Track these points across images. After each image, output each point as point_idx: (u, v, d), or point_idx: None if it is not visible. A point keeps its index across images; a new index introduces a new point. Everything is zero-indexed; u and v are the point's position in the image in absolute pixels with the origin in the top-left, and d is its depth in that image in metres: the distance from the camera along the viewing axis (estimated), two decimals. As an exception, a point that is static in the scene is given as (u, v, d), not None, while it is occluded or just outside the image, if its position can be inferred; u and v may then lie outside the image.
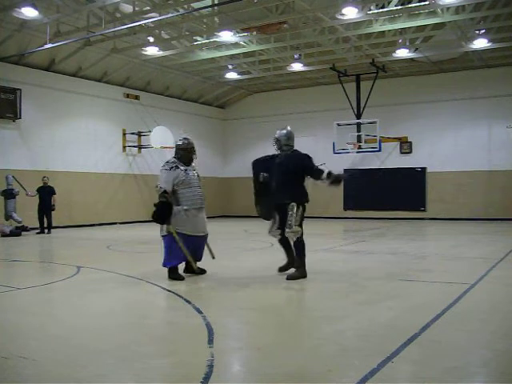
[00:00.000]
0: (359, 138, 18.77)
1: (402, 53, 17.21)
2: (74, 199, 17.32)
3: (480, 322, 4.52)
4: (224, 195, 23.27)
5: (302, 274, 6.53)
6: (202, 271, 6.83)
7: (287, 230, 6.36)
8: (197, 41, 16.63)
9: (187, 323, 4.55)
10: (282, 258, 7.09)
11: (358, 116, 19.12)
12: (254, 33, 15.45)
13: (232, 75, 20.54)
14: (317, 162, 6.73)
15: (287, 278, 6.46)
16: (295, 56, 18.50)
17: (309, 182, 6.70)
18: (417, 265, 8.06)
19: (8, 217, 14.49)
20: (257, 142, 22.86)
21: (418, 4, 13.62)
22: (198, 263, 6.78)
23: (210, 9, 13.68)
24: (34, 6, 13.05)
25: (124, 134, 19.40)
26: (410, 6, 13.81)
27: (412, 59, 18.30)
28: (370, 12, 13.94)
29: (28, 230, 14.72)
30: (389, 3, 13.77)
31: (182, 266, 6.90)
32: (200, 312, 4.80)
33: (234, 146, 24.21)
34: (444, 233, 14.57)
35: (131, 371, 3.33)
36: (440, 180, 19.99)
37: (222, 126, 24.47)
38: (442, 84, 19.95)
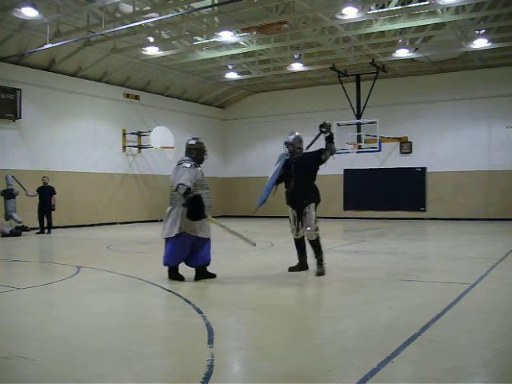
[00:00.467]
0: (359, 138, 18.77)
1: (402, 53, 17.21)
2: (74, 199, 17.32)
3: (480, 322, 4.52)
4: (224, 195, 23.26)
5: (323, 268, 6.86)
6: (213, 275, 6.65)
7: (309, 229, 6.74)
8: (197, 41, 16.63)
9: (187, 323, 4.55)
10: (281, 258, 7.10)
11: (358, 116, 19.12)
12: (254, 33, 15.45)
13: (232, 75, 20.54)
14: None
15: (317, 275, 6.74)
16: (295, 56, 18.50)
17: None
18: (417, 265, 8.06)
19: (8, 217, 14.49)
20: (257, 142, 22.89)
21: (418, 4, 13.62)
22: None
23: (209, 9, 13.68)
24: (34, 6, 13.05)
25: (124, 134, 19.40)
26: (410, 6, 13.81)
27: (412, 59, 18.30)
28: (370, 12, 13.94)
29: (28, 230, 14.72)
30: (389, 3, 13.77)
31: (180, 269, 6.88)
32: (200, 312, 4.80)
33: (233, 146, 24.22)
34: (444, 233, 14.57)
35: (131, 371, 3.33)
36: (440, 180, 19.99)
37: (222, 125, 24.48)
38: (442, 84, 19.95)
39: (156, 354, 3.64)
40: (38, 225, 14.93)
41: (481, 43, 16.06)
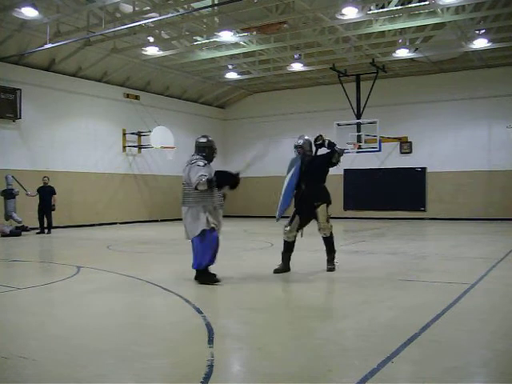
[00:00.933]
0: (359, 138, 18.76)
1: (402, 53, 17.21)
2: (74, 199, 17.32)
3: (480, 322, 4.52)
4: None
5: (334, 265, 7.20)
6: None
7: (322, 226, 7.05)
8: (197, 41, 16.62)
9: (187, 323, 4.55)
10: (281, 258, 7.11)
11: (358, 116, 19.11)
12: (254, 33, 15.44)
13: (232, 75, 20.54)
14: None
15: (328, 270, 7.09)
16: (295, 56, 18.50)
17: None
18: (417, 265, 8.06)
19: (8, 217, 14.49)
20: (257, 142, 22.87)
21: (418, 4, 13.61)
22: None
23: (209, 9, 13.68)
24: (34, 6, 13.04)
25: (124, 134, 19.40)
26: (410, 6, 13.80)
27: (412, 59, 18.29)
28: (370, 12, 13.94)
29: (28, 230, 14.72)
30: (389, 3, 13.76)
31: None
32: (200, 312, 4.80)
33: (233, 146, 24.20)
34: (444, 233, 14.57)
35: (131, 371, 3.33)
36: (440, 180, 19.99)
37: (222, 125, 24.47)
38: (442, 84, 19.95)
39: (156, 354, 3.64)
40: (38, 225, 14.93)
41: (481, 43, 16.06)
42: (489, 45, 16.17)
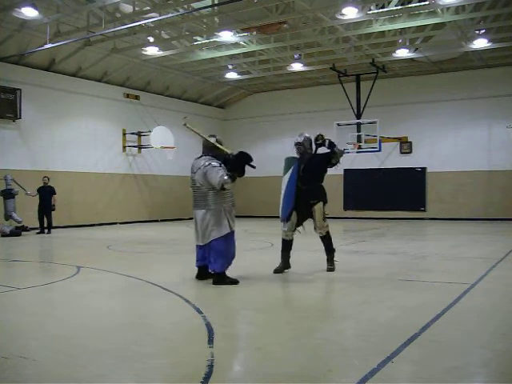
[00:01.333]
0: (359, 138, 18.77)
1: (402, 53, 17.21)
2: (74, 199, 17.32)
3: (480, 322, 4.52)
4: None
5: (334, 265, 7.23)
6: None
7: (318, 225, 7.06)
8: (197, 41, 16.62)
9: (187, 323, 4.54)
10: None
11: (358, 116, 19.11)
12: (254, 33, 15.44)
13: (232, 75, 20.54)
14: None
15: (328, 270, 7.11)
16: (295, 56, 18.50)
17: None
18: (417, 265, 8.06)
19: (8, 217, 14.48)
20: (257, 142, 22.87)
21: (418, 4, 13.62)
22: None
23: (209, 9, 13.68)
24: (34, 6, 13.04)
25: (124, 134, 19.40)
26: (410, 6, 13.81)
27: (412, 59, 18.30)
28: (370, 12, 13.94)
29: (28, 230, 14.72)
30: (389, 3, 13.76)
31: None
32: (200, 312, 4.80)
33: (234, 146, 24.14)
34: (444, 233, 14.57)
35: (131, 371, 3.33)
36: (440, 180, 19.99)
37: (222, 126, 24.46)
38: (442, 84, 19.95)
39: (156, 354, 3.64)
40: (38, 225, 14.93)
41: (481, 43, 16.06)
42: (489, 45, 16.17)
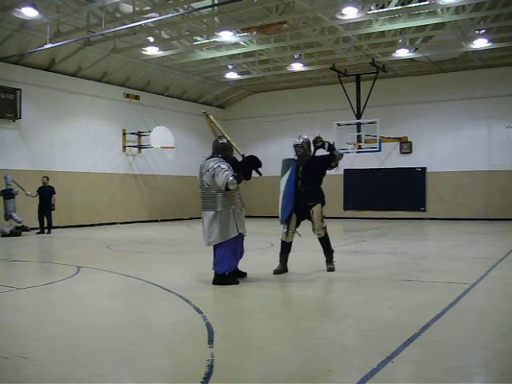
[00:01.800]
0: (359, 138, 18.76)
1: (402, 53, 17.21)
2: (74, 199, 17.32)
3: (480, 322, 4.52)
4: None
5: (333, 265, 7.26)
6: (244, 274, 6.66)
7: (316, 227, 7.09)
8: (197, 41, 16.62)
9: (187, 323, 4.55)
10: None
11: (358, 116, 19.11)
12: (254, 33, 15.44)
13: (232, 75, 20.54)
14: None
15: (328, 271, 7.13)
16: (295, 56, 18.50)
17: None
18: (417, 265, 8.06)
19: (8, 217, 14.48)
20: (257, 142, 22.86)
21: (418, 4, 13.61)
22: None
23: (209, 9, 13.68)
24: (34, 6, 13.04)
25: (124, 134, 19.40)
26: (410, 6, 13.80)
27: (412, 59, 18.29)
28: (370, 12, 13.94)
29: (28, 230, 14.72)
30: (389, 3, 13.76)
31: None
32: (200, 312, 4.80)
33: (233, 146, 24.19)
34: (444, 233, 14.57)
35: (131, 371, 3.33)
36: (440, 180, 19.99)
37: (222, 126, 24.18)
38: (442, 84, 19.95)
39: (156, 354, 3.64)
40: (38, 225, 14.93)
41: (481, 43, 16.06)
42: (489, 45, 16.17)
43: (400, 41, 16.66)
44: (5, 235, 13.70)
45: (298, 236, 7.23)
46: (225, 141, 6.45)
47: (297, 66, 19.18)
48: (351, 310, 4.99)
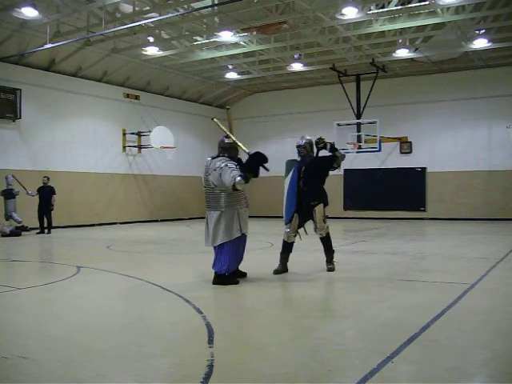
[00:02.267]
0: (359, 138, 18.77)
1: (402, 53, 17.21)
2: (74, 199, 17.32)
3: (480, 321, 4.52)
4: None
5: (333, 265, 7.28)
6: (245, 274, 6.67)
7: (318, 227, 7.11)
8: (197, 41, 16.62)
9: (187, 323, 4.55)
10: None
11: (358, 116, 19.11)
12: (254, 33, 15.44)
13: (232, 75, 20.54)
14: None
15: (328, 271, 7.15)
16: (295, 56, 18.50)
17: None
18: (417, 265, 8.06)
19: (8, 217, 14.48)
20: (257, 142, 22.81)
21: (418, 4, 13.61)
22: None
23: (210, 9, 13.68)
24: (34, 6, 13.04)
25: (124, 134, 19.40)
26: (410, 6, 13.80)
27: (412, 59, 18.29)
28: (370, 12, 13.93)
29: (28, 230, 14.71)
30: (389, 3, 13.76)
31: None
32: (200, 312, 4.80)
33: (233, 146, 24.18)
34: (444, 233, 14.57)
35: (131, 371, 3.33)
36: (440, 180, 19.99)
37: (223, 126, 24.42)
38: (442, 84, 19.95)
39: (156, 354, 3.64)
40: (38, 225, 14.93)
41: (481, 43, 16.06)
42: (489, 45, 16.17)
43: (400, 41, 16.66)
44: (5, 235, 13.70)
45: (299, 238, 7.23)
46: (231, 140, 6.42)
47: (297, 66, 19.18)
48: (351, 310, 4.99)
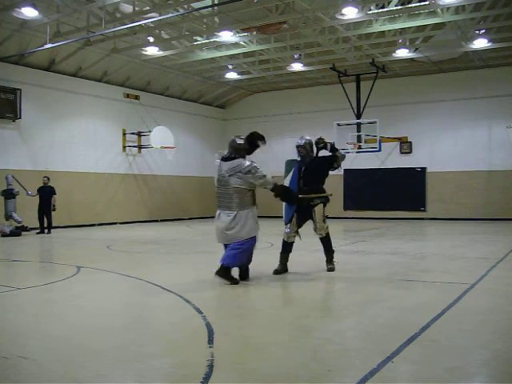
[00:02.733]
0: (359, 138, 18.77)
1: (402, 53, 17.21)
2: (74, 199, 17.32)
3: (480, 322, 4.52)
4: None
5: (333, 265, 7.27)
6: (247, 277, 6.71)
7: (318, 227, 7.10)
8: (197, 41, 16.62)
9: (187, 323, 4.55)
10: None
11: (358, 116, 19.11)
12: (254, 33, 15.44)
13: (232, 75, 20.54)
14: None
15: (328, 271, 7.15)
16: (295, 56, 18.50)
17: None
18: (417, 265, 8.06)
19: (8, 217, 14.49)
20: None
21: (418, 4, 13.61)
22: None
23: (210, 9, 13.68)
24: (34, 6, 13.04)
25: (124, 134, 19.40)
26: (410, 6, 13.80)
27: (412, 59, 18.29)
28: (370, 12, 13.93)
29: (28, 230, 14.71)
30: (389, 3, 13.76)
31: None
32: (200, 312, 4.80)
33: (233, 146, 24.16)
34: (444, 233, 14.57)
35: (131, 371, 3.33)
36: (440, 180, 19.99)
37: (222, 125, 24.47)
38: (442, 84, 19.95)
39: (156, 354, 3.64)
40: (38, 225, 14.93)
41: (481, 43, 16.06)
42: (489, 45, 16.17)
43: (400, 41, 16.66)
44: (5, 235, 13.70)
45: (299, 238, 7.23)
46: (242, 141, 6.48)
47: (297, 66, 19.18)
48: (351, 310, 4.99)
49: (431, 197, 20.18)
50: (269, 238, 12.27)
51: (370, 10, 13.94)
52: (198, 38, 16.48)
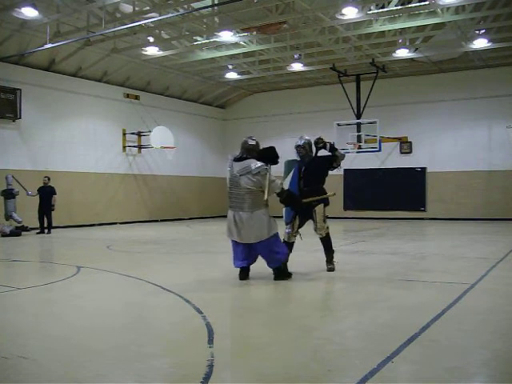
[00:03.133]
0: (359, 138, 18.77)
1: (402, 53, 17.21)
2: (74, 199, 17.32)
3: (480, 322, 4.52)
4: (224, 195, 23.20)
5: (333, 265, 7.27)
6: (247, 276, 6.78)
7: (318, 227, 7.11)
8: (197, 41, 16.62)
9: (187, 323, 4.55)
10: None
11: (358, 116, 19.11)
12: (254, 33, 15.44)
13: (232, 75, 20.54)
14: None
15: (328, 271, 7.15)
16: (295, 56, 18.50)
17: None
18: (417, 265, 8.06)
19: (8, 217, 14.48)
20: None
21: (418, 4, 13.61)
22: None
23: (210, 9, 13.68)
24: (34, 6, 13.04)
25: (124, 134, 19.40)
26: (410, 6, 13.80)
27: (412, 59, 18.30)
28: (370, 12, 13.93)
29: (28, 230, 14.71)
30: (389, 3, 13.76)
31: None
32: (200, 312, 4.80)
33: (234, 146, 24.13)
34: (444, 233, 14.57)
35: (131, 371, 3.33)
36: (440, 180, 19.99)
37: (222, 125, 24.47)
38: (442, 84, 19.95)
39: (156, 354, 3.64)
40: (38, 225, 14.93)
41: (481, 43, 16.06)
42: (489, 45, 16.17)
43: (400, 41, 16.66)
44: (5, 235, 13.70)
45: (300, 238, 7.23)
46: (254, 142, 6.55)
47: (297, 66, 19.18)
48: (351, 310, 4.99)
49: (431, 197, 20.18)
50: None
51: (370, 10, 13.94)
52: (198, 38, 16.48)
